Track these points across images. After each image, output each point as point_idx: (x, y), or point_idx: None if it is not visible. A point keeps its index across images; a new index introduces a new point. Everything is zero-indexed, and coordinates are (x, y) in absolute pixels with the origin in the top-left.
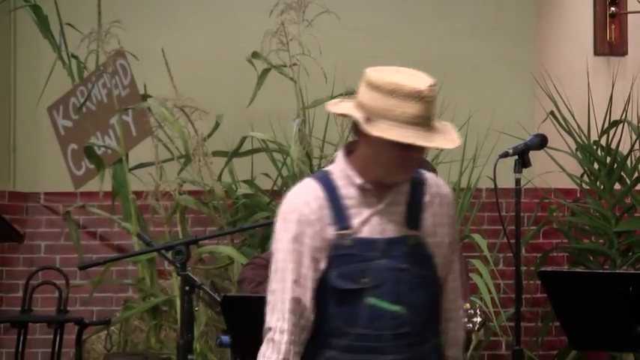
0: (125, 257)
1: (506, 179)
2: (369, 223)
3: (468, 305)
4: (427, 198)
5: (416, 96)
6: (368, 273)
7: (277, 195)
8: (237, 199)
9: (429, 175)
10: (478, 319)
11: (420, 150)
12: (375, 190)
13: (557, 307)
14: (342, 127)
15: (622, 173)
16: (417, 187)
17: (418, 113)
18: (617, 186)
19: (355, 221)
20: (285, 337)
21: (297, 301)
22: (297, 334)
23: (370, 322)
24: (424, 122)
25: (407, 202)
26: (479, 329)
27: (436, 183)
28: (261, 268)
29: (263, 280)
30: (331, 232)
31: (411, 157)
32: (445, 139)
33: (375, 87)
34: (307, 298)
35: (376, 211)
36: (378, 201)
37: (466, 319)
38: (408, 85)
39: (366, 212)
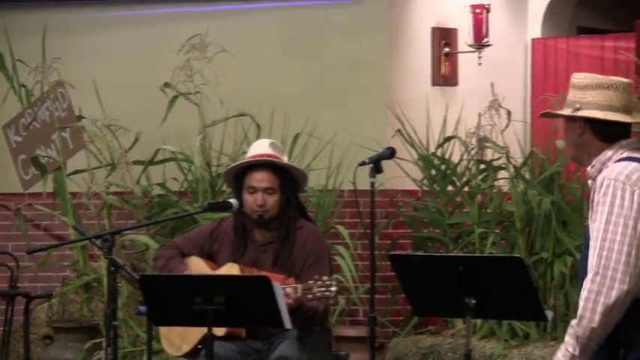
0: (63, 244)
1: (364, 182)
2: None
3: (325, 277)
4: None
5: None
6: None
7: (184, 195)
8: (152, 199)
9: (608, 167)
10: (334, 289)
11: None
12: (591, 182)
13: (403, 282)
14: (234, 142)
15: (453, 178)
16: None
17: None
18: (449, 188)
19: None
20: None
21: None
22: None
23: None
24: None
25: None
26: (335, 296)
27: (601, 173)
28: (171, 248)
29: (173, 256)
30: None
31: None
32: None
33: None
34: None
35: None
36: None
37: (324, 289)
38: None
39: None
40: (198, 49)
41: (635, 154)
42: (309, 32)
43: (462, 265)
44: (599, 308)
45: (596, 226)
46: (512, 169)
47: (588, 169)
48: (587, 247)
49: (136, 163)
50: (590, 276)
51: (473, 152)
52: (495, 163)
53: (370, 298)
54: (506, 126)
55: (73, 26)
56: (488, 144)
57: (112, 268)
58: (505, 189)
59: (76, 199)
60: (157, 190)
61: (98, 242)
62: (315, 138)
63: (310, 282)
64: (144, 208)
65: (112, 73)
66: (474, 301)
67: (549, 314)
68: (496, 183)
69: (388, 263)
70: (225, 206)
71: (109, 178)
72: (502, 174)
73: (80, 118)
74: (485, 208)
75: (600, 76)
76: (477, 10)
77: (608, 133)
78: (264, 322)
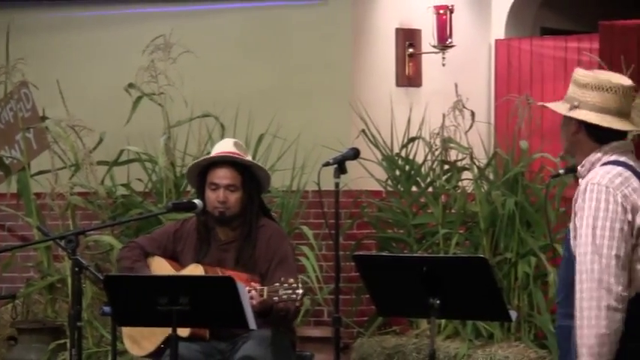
0: (28, 245)
1: (328, 183)
2: None
3: (291, 280)
4: None
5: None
6: None
7: (148, 195)
8: (116, 199)
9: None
10: (300, 291)
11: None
12: (581, 180)
13: (367, 283)
14: (199, 143)
15: (417, 178)
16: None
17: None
18: (414, 188)
19: None
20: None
21: None
22: None
23: None
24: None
25: None
26: (301, 299)
27: (586, 177)
28: (135, 249)
29: (137, 259)
30: None
31: None
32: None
33: None
34: None
35: None
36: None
37: (290, 291)
38: None
39: None
40: (163, 50)
41: (622, 158)
42: (273, 33)
43: (427, 266)
44: (604, 313)
45: (583, 231)
46: (476, 170)
47: (578, 168)
48: (568, 250)
49: (100, 163)
50: (586, 284)
51: (437, 153)
52: (459, 164)
53: (335, 299)
54: (470, 127)
55: (36, 27)
56: (452, 145)
57: (77, 269)
58: (469, 189)
59: (40, 199)
60: (122, 191)
61: (62, 243)
62: (280, 138)
63: (276, 284)
64: (108, 208)
65: (75, 74)
66: (438, 302)
67: (513, 314)
68: (460, 183)
69: (353, 264)
70: (189, 206)
71: (73, 179)
72: (466, 174)
73: (44, 118)
74: (449, 209)
75: (602, 77)
76: (441, 11)
77: (601, 135)
78: (228, 323)
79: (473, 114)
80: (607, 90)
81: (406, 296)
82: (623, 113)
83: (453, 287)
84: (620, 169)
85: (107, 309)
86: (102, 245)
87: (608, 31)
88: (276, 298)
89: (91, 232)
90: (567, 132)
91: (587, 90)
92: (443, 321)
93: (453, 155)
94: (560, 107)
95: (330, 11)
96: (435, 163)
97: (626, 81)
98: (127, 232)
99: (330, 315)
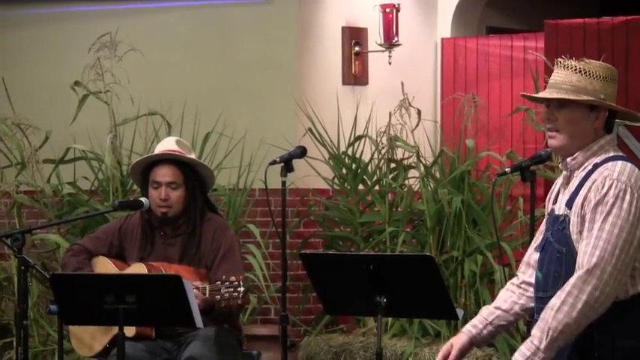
0: None
1: (275, 181)
2: (559, 201)
3: (233, 278)
4: (586, 183)
5: (556, 64)
6: (542, 242)
7: (94, 194)
8: (62, 197)
9: (605, 164)
10: (242, 289)
11: (550, 116)
12: (566, 173)
13: (314, 281)
14: (145, 141)
15: (364, 177)
16: (589, 173)
17: (551, 79)
18: (360, 187)
19: (558, 198)
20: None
21: None
22: None
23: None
24: (552, 85)
25: (576, 185)
26: (244, 296)
27: (599, 170)
28: (79, 253)
29: (79, 266)
30: (549, 207)
31: (547, 119)
32: (550, 92)
33: None
34: None
35: (563, 190)
36: (566, 181)
37: (232, 289)
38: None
39: (560, 191)
40: (109, 48)
41: (621, 153)
42: (220, 31)
43: (373, 264)
44: (579, 306)
45: (596, 225)
46: (422, 168)
47: (568, 160)
48: (566, 244)
49: (46, 161)
50: (579, 272)
51: (383, 151)
52: (406, 162)
53: (282, 297)
54: (417, 125)
55: None
56: (398, 143)
57: (23, 267)
58: (416, 188)
59: None
60: (68, 189)
61: (8, 241)
62: (226, 137)
63: (218, 283)
64: (54, 207)
65: (21, 72)
66: (385, 300)
67: (460, 312)
68: (407, 182)
69: (300, 262)
70: (136, 205)
71: (19, 177)
72: (413, 173)
73: None
74: (395, 207)
75: (612, 67)
76: (387, 10)
77: (611, 126)
78: (175, 321)
79: (419, 112)
80: (616, 80)
81: (353, 294)
82: None
83: (400, 285)
84: (630, 165)
85: (54, 307)
86: (48, 244)
87: (553, 29)
88: (218, 297)
89: (38, 230)
90: (587, 124)
91: (607, 82)
92: (390, 319)
93: (399, 153)
94: (583, 97)
95: (277, 9)
96: (382, 161)
97: None
98: (74, 230)
99: (277, 313)
